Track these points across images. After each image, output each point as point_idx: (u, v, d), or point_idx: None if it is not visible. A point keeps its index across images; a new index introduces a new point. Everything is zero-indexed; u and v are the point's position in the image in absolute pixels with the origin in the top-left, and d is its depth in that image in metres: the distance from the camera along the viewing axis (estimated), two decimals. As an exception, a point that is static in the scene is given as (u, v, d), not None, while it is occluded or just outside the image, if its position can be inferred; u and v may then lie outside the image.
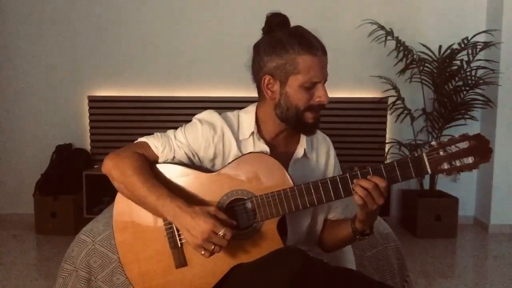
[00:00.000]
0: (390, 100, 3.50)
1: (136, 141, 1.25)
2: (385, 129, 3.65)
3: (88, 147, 3.73)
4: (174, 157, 1.22)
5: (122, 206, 1.22)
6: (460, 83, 3.34)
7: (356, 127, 3.63)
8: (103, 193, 3.43)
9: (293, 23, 1.20)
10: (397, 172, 1.08)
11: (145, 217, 1.19)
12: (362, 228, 1.19)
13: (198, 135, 1.22)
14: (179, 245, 1.16)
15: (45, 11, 3.65)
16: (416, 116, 3.49)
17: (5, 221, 3.73)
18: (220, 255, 1.11)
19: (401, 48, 3.36)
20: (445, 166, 1.07)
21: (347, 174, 1.11)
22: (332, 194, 1.12)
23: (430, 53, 3.36)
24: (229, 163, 1.18)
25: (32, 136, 3.75)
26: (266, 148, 1.22)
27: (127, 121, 3.65)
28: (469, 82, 3.31)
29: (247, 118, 1.25)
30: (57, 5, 3.64)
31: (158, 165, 1.21)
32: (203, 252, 1.07)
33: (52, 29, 3.67)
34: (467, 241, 3.41)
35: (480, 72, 3.34)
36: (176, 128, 1.27)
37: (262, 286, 1.01)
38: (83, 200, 3.42)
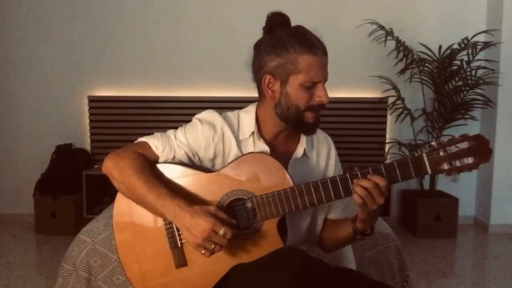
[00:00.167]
0: (390, 100, 3.50)
1: (136, 141, 1.25)
2: (385, 129, 3.65)
3: (88, 147, 3.73)
4: (174, 157, 1.22)
5: (122, 206, 1.22)
6: (460, 83, 3.34)
7: (356, 127, 3.63)
8: (103, 193, 3.43)
9: (293, 23, 1.20)
10: (397, 172, 1.08)
11: (145, 217, 1.19)
12: (363, 228, 1.19)
13: (198, 135, 1.22)
14: (179, 245, 1.16)
15: (45, 11, 3.65)
16: (416, 116, 3.49)
17: (5, 221, 3.73)
18: (220, 255, 1.11)
19: (401, 48, 3.36)
20: (445, 166, 1.07)
21: (347, 174, 1.11)
22: (332, 194, 1.12)
23: (430, 53, 3.36)
24: (229, 163, 1.18)
25: (32, 136, 3.75)
26: (266, 148, 1.22)
27: (127, 121, 3.65)
28: (469, 82, 3.31)
29: (247, 117, 1.25)
30: (57, 5, 3.64)
31: (158, 165, 1.21)
32: (203, 252, 1.07)
33: (52, 29, 3.67)
34: (467, 241, 3.41)
35: (480, 72, 3.34)
36: (176, 128, 1.27)
37: (262, 286, 1.01)
38: (83, 200, 3.42)
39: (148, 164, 1.19)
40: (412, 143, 3.46)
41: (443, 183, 3.56)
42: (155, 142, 1.22)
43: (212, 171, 1.20)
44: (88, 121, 3.70)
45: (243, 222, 1.16)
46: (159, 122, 3.60)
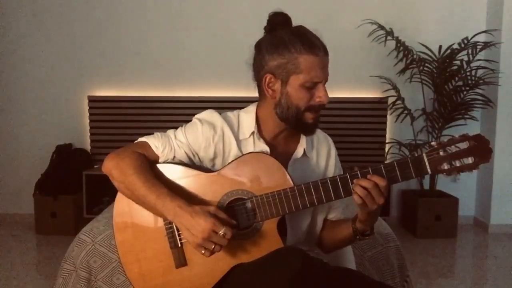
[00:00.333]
0: (390, 100, 3.50)
1: (136, 141, 1.25)
2: (385, 129, 3.65)
3: (88, 147, 3.74)
4: (174, 157, 1.22)
5: (122, 206, 1.22)
6: (460, 83, 3.34)
7: (356, 127, 3.63)
8: (103, 193, 3.43)
9: (293, 22, 1.20)
10: (397, 172, 1.08)
11: (145, 217, 1.19)
12: (363, 228, 1.19)
13: (198, 134, 1.22)
14: (179, 245, 1.16)
15: (45, 11, 3.65)
16: (416, 116, 3.49)
17: (5, 221, 3.74)
18: (220, 255, 1.11)
19: (401, 48, 3.37)
20: (445, 166, 1.07)
21: (347, 174, 1.11)
22: (332, 194, 1.12)
23: (430, 53, 3.36)
24: (229, 163, 1.18)
25: (32, 136, 3.75)
26: (266, 148, 1.23)
27: (127, 121, 3.65)
28: (469, 82, 3.31)
29: (247, 117, 1.25)
30: (57, 6, 3.64)
31: (158, 165, 1.21)
32: (203, 252, 1.07)
33: (52, 29, 3.67)
34: (467, 241, 3.41)
35: (480, 72, 3.34)
36: (176, 128, 1.27)
37: (262, 286, 1.01)
38: (83, 200, 3.42)
39: (148, 164, 1.19)
40: (412, 143, 3.46)
41: (443, 183, 3.56)
42: (155, 142, 1.22)
43: (212, 171, 1.20)
44: (88, 121, 3.70)
45: (243, 222, 1.16)
46: (159, 122, 3.60)
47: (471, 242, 3.43)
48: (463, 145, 1.07)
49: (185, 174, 1.20)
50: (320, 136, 1.34)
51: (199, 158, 1.24)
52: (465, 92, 3.33)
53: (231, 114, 1.27)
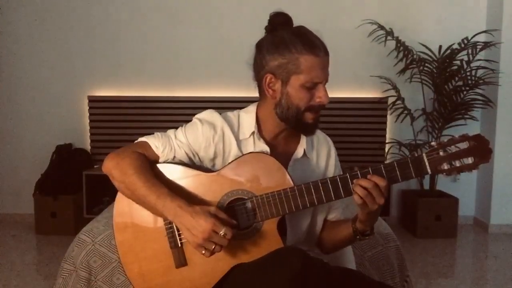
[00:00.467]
0: (390, 100, 3.50)
1: (136, 141, 1.25)
2: (385, 129, 3.65)
3: (88, 147, 3.74)
4: (174, 156, 1.22)
5: (122, 206, 1.22)
6: (460, 83, 3.34)
7: (356, 127, 3.63)
8: (103, 193, 3.43)
9: (293, 23, 1.20)
10: (397, 172, 1.08)
11: (146, 217, 1.19)
12: (363, 229, 1.19)
13: (199, 134, 1.22)
14: (179, 245, 1.16)
15: (46, 11, 3.65)
16: (416, 116, 3.49)
17: (5, 221, 3.74)
18: (220, 255, 1.11)
19: (401, 48, 3.37)
20: (445, 166, 1.07)
21: (347, 174, 1.11)
22: (332, 194, 1.12)
23: (430, 53, 3.37)
24: (229, 163, 1.18)
25: (32, 136, 3.75)
26: (266, 148, 1.23)
27: (127, 121, 3.65)
28: (469, 82, 3.31)
29: (247, 117, 1.25)
30: (57, 6, 3.64)
31: (158, 165, 1.21)
32: (203, 252, 1.07)
33: (52, 29, 3.67)
34: (467, 241, 3.41)
35: (480, 72, 3.34)
36: (176, 128, 1.27)
37: (262, 286, 1.01)
38: (83, 200, 3.42)
39: (149, 164, 1.19)
40: (412, 143, 3.46)
41: (443, 183, 3.56)
42: (155, 142, 1.22)
43: (212, 171, 1.20)
44: (88, 121, 3.70)
45: (243, 222, 1.16)
46: (159, 122, 3.60)
47: (471, 242, 3.43)
48: (463, 145, 1.07)
49: (185, 174, 1.20)
50: (320, 136, 1.34)
51: (199, 158, 1.24)
52: (465, 92, 3.33)
53: (231, 114, 1.27)
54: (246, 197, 1.16)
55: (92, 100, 3.68)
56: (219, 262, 1.14)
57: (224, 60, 3.64)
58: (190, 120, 1.27)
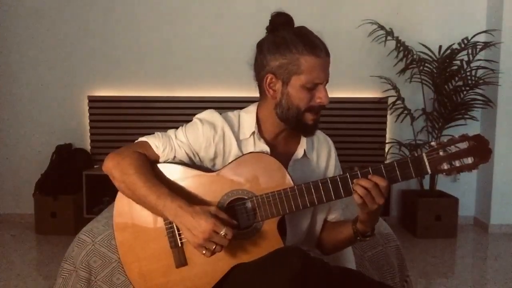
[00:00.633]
0: (390, 100, 3.50)
1: (136, 141, 1.25)
2: (385, 129, 3.65)
3: (88, 147, 3.74)
4: (174, 156, 1.22)
5: (122, 205, 1.22)
6: (460, 83, 3.34)
7: (356, 127, 3.63)
8: (103, 193, 3.43)
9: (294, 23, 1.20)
10: (397, 172, 1.08)
11: (146, 217, 1.19)
12: (364, 229, 1.19)
13: (199, 134, 1.22)
14: (180, 245, 1.16)
15: (45, 11, 3.65)
16: (416, 116, 3.49)
17: (5, 221, 3.74)
18: (220, 254, 1.11)
19: (401, 48, 3.37)
20: (445, 166, 1.07)
21: (347, 174, 1.11)
22: (332, 194, 1.12)
23: (430, 53, 3.37)
24: (229, 163, 1.18)
25: (32, 136, 3.75)
26: (266, 148, 1.23)
27: (127, 121, 3.65)
28: (469, 82, 3.31)
29: (248, 117, 1.26)
30: (57, 6, 3.64)
31: (158, 165, 1.22)
32: (204, 252, 1.08)
33: (52, 29, 3.67)
34: (467, 241, 3.41)
35: (480, 72, 3.34)
36: (176, 128, 1.27)
37: (262, 285, 1.01)
38: (83, 200, 3.42)
39: (149, 164, 1.19)
40: (412, 143, 3.46)
41: (443, 183, 3.56)
42: (156, 142, 1.22)
43: (213, 171, 1.20)
44: (88, 121, 3.70)
45: (243, 221, 1.16)
46: (159, 122, 3.60)
47: (471, 242, 3.43)
48: (463, 145, 1.07)
49: (185, 174, 1.20)
50: (320, 137, 1.34)
51: (199, 158, 1.24)
52: (465, 92, 3.33)
53: (231, 114, 1.27)
54: (246, 197, 1.16)
55: (92, 100, 3.68)
56: (219, 262, 1.14)
57: (224, 60, 3.64)
58: (190, 120, 1.27)
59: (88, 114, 3.70)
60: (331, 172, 1.33)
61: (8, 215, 3.77)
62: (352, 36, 3.55)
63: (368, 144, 3.65)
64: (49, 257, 2.97)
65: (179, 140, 1.23)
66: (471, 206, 3.76)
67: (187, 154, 1.23)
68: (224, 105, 3.44)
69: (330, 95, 1.17)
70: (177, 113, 3.60)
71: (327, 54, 1.16)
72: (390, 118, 3.64)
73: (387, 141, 3.64)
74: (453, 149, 1.07)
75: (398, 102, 3.42)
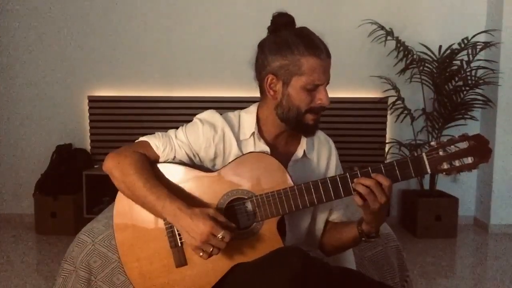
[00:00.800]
0: (390, 100, 3.50)
1: (137, 140, 1.25)
2: (385, 129, 3.65)
3: (88, 147, 3.74)
4: (174, 157, 1.22)
5: (122, 205, 1.22)
6: (460, 83, 3.34)
7: (356, 127, 3.63)
8: (103, 193, 3.43)
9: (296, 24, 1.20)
10: (397, 171, 1.09)
11: (146, 217, 1.19)
12: (369, 230, 1.18)
13: (199, 135, 1.22)
14: (179, 245, 1.16)
15: (44, 11, 3.65)
16: (416, 116, 3.49)
17: (5, 221, 3.74)
18: (220, 254, 1.11)
19: (401, 48, 3.37)
20: (445, 166, 1.07)
21: (347, 174, 1.11)
22: (332, 194, 1.12)
23: (430, 53, 3.37)
24: (229, 163, 1.18)
25: (32, 136, 3.75)
26: (266, 148, 1.23)
27: (127, 121, 3.65)
28: (469, 82, 3.31)
29: (248, 118, 1.26)
30: (56, 6, 3.64)
31: (158, 165, 1.22)
32: (201, 254, 1.08)
33: (52, 29, 3.67)
34: (467, 241, 3.41)
35: (480, 72, 3.34)
36: (176, 128, 1.27)
37: (262, 285, 1.01)
38: (83, 200, 3.42)
39: (149, 164, 1.19)
40: (412, 143, 3.46)
41: (443, 183, 3.56)
42: (156, 142, 1.22)
43: (212, 171, 1.20)
44: (88, 121, 3.70)
45: (243, 221, 1.16)
46: (159, 122, 3.60)
47: (471, 242, 3.42)
48: (463, 145, 1.07)
49: (185, 174, 1.20)
50: (321, 137, 1.34)
51: (199, 158, 1.24)
52: (465, 92, 3.33)
53: (232, 115, 1.28)
54: (246, 197, 1.16)
55: (92, 100, 3.68)
56: (219, 261, 1.14)
57: (224, 60, 3.64)
58: (190, 120, 1.27)
59: (88, 114, 3.70)
60: (332, 173, 1.33)
61: (8, 215, 3.77)
62: (352, 36, 3.55)
63: (368, 144, 3.65)
64: (49, 257, 2.97)
65: (179, 140, 1.23)
66: (471, 206, 3.76)
67: (187, 154, 1.23)
68: (224, 105, 3.44)
69: (330, 95, 1.17)
70: (177, 113, 3.60)
71: (328, 55, 1.16)
72: (390, 118, 3.64)
73: (387, 141, 3.64)
74: (453, 148, 1.07)
75: (398, 102, 3.42)
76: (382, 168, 1.09)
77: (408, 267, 1.78)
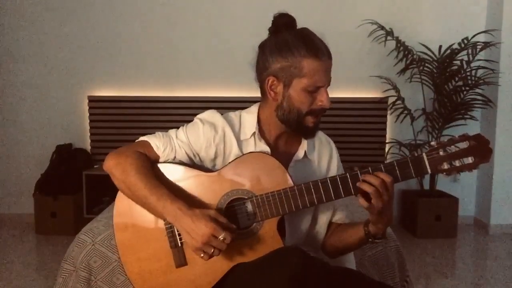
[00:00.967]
0: (390, 100, 3.50)
1: (137, 140, 1.25)
2: (385, 129, 3.65)
3: (88, 147, 3.73)
4: (175, 157, 1.22)
5: (122, 205, 1.22)
6: (460, 83, 3.34)
7: (356, 127, 3.63)
8: (103, 193, 3.43)
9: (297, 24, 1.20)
10: (397, 172, 1.08)
11: (146, 217, 1.19)
12: (375, 231, 1.17)
13: (200, 134, 1.22)
14: (179, 245, 1.16)
15: (45, 11, 3.65)
16: (416, 116, 3.49)
17: (5, 221, 3.73)
18: (220, 255, 1.11)
19: (401, 48, 3.37)
20: (445, 166, 1.07)
21: (347, 174, 1.11)
22: (332, 194, 1.12)
23: (430, 53, 3.37)
24: (229, 163, 1.18)
25: (32, 136, 3.75)
26: (267, 149, 1.22)
27: (127, 121, 3.65)
28: (469, 82, 3.31)
29: (249, 118, 1.25)
30: (56, 6, 3.64)
31: (159, 165, 1.22)
32: (202, 255, 1.08)
33: (52, 29, 3.67)
34: (467, 241, 3.41)
35: (480, 72, 3.34)
36: (177, 128, 1.27)
37: (262, 285, 1.01)
38: (83, 200, 3.42)
39: (150, 164, 1.19)
40: (412, 143, 3.46)
41: (443, 183, 3.56)
42: (156, 142, 1.22)
43: (213, 171, 1.20)
44: (88, 121, 3.70)
45: (243, 221, 1.16)
46: (159, 122, 3.60)
47: (471, 242, 3.42)
48: (463, 145, 1.07)
49: (185, 174, 1.20)
50: (323, 139, 1.34)
51: (199, 158, 1.24)
52: (465, 92, 3.33)
53: (232, 115, 1.27)
54: (246, 197, 1.16)
55: (92, 100, 3.68)
56: (219, 262, 1.14)
57: (224, 60, 3.64)
58: (191, 120, 1.27)
59: (88, 114, 3.70)
60: (333, 174, 1.31)
61: (8, 215, 3.77)
62: (352, 36, 3.55)
63: (368, 144, 3.65)
64: (49, 257, 2.97)
65: (179, 140, 1.22)
66: (471, 206, 3.76)
67: (187, 154, 1.23)
68: (224, 105, 3.44)
69: (330, 95, 1.17)
70: (177, 113, 3.60)
71: (329, 57, 1.15)
72: (390, 118, 3.64)
73: (387, 141, 3.64)
74: (453, 149, 1.07)
75: (398, 102, 3.42)
76: (383, 168, 1.09)
77: (408, 267, 1.78)
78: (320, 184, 1.12)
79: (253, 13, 3.56)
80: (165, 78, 3.71)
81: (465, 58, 3.28)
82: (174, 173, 1.20)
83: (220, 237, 1.05)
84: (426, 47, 3.38)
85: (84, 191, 3.41)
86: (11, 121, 3.74)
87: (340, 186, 1.11)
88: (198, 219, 1.06)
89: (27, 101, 3.73)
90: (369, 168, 1.09)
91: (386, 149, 3.60)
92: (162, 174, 1.20)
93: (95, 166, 3.64)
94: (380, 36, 3.42)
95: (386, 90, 3.51)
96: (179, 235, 1.16)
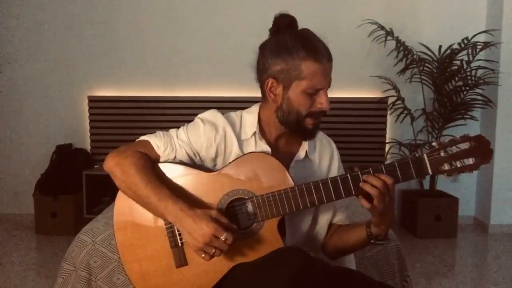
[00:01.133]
0: (390, 100, 3.50)
1: (138, 140, 1.25)
2: (385, 129, 3.65)
3: (88, 147, 3.73)
4: (175, 156, 1.22)
5: (122, 205, 1.22)
6: (460, 83, 3.34)
7: (356, 127, 3.63)
8: (103, 193, 3.43)
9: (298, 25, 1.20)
10: (398, 172, 1.08)
11: (146, 216, 1.19)
12: (378, 233, 1.16)
13: (200, 134, 1.22)
14: (180, 245, 1.16)
15: (44, 11, 3.65)
16: (416, 116, 3.49)
17: (5, 221, 3.73)
18: (221, 254, 1.11)
19: (401, 48, 3.37)
20: (446, 167, 1.07)
21: (348, 174, 1.11)
22: (332, 194, 1.12)
23: (430, 53, 3.37)
24: (230, 163, 1.18)
25: (32, 136, 3.75)
26: (267, 149, 1.22)
27: (127, 121, 3.65)
28: (469, 82, 3.32)
29: (250, 118, 1.25)
30: (56, 6, 3.64)
31: (159, 164, 1.21)
32: (203, 256, 1.08)
33: (52, 29, 3.66)
34: (467, 241, 3.41)
35: (480, 72, 3.34)
36: (177, 127, 1.27)
37: (262, 285, 1.01)
38: (83, 200, 3.42)
39: (151, 164, 1.18)
40: (412, 143, 3.46)
41: (443, 183, 3.56)
42: (157, 142, 1.22)
43: (213, 171, 1.20)
44: (88, 121, 3.70)
45: (243, 221, 1.16)
46: (159, 122, 3.60)
47: (471, 242, 3.42)
48: (464, 146, 1.07)
49: (186, 174, 1.20)
50: (324, 140, 1.34)
51: (200, 158, 1.24)
52: (465, 92, 3.33)
53: (233, 114, 1.27)
54: (246, 197, 1.16)
55: (92, 100, 3.68)
56: (219, 262, 1.14)
57: (224, 60, 3.64)
58: (191, 120, 1.27)
59: (88, 114, 3.70)
60: (334, 174, 1.31)
61: (8, 215, 3.77)
62: (352, 36, 3.55)
63: (368, 144, 3.65)
64: (49, 257, 2.97)
65: (180, 140, 1.22)
66: (471, 206, 3.76)
67: (188, 154, 1.22)
68: (224, 105, 3.44)
69: (330, 95, 1.17)
70: (177, 113, 3.60)
71: (329, 59, 1.14)
72: (390, 118, 3.64)
73: (387, 141, 3.64)
74: (454, 149, 1.07)
75: (398, 102, 3.42)
76: (383, 168, 1.09)
77: (408, 267, 1.78)
78: (320, 184, 1.12)
79: (253, 13, 3.56)
80: (165, 78, 3.71)
81: (465, 58, 3.28)
82: (174, 172, 1.20)
83: (221, 237, 1.05)
84: (426, 47, 3.38)
85: (84, 191, 3.41)
86: (11, 121, 3.74)
87: (341, 186, 1.11)
88: (200, 220, 1.06)
89: (27, 101, 3.73)
90: (370, 169, 1.09)
91: (386, 149, 3.60)
92: (163, 174, 1.20)
93: (95, 166, 3.64)
94: (380, 36, 3.42)
95: (386, 90, 3.51)
96: (179, 235, 1.16)
